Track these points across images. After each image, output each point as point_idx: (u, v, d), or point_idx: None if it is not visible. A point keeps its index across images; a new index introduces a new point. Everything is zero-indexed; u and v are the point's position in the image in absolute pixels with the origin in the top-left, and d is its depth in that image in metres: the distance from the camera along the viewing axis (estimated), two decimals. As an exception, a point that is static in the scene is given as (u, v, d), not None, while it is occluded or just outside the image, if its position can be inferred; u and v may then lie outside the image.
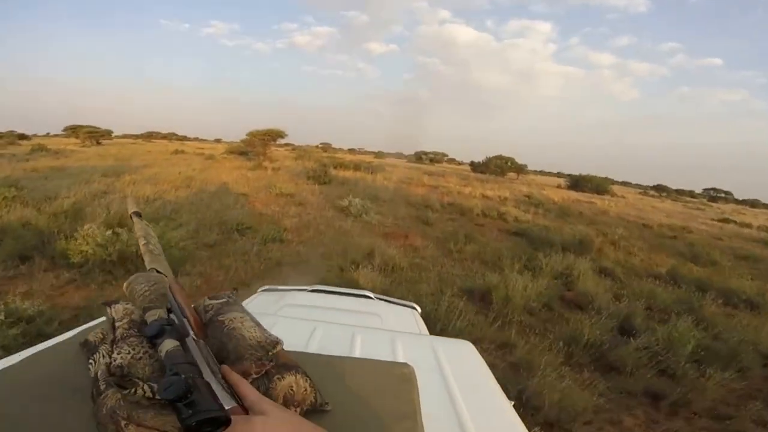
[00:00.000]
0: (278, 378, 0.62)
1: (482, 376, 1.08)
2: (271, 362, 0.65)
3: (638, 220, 17.89)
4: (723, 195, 58.60)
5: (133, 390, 0.50)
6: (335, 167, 24.29)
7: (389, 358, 1.04)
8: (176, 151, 26.88)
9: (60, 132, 39.90)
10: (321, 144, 66.28)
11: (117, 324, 0.66)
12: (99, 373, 0.57)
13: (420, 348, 1.17)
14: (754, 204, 57.56)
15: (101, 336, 0.71)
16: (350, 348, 1.12)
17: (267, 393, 0.59)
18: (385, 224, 10.12)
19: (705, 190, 60.91)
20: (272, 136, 21.88)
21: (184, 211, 9.06)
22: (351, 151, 71.55)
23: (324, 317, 1.55)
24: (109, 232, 5.34)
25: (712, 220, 23.62)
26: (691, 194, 57.76)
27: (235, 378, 0.52)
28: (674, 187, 58.61)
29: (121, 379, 0.54)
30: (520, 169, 42.38)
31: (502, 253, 8.70)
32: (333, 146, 68.27)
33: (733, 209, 38.34)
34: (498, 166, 41.07)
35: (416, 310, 2.27)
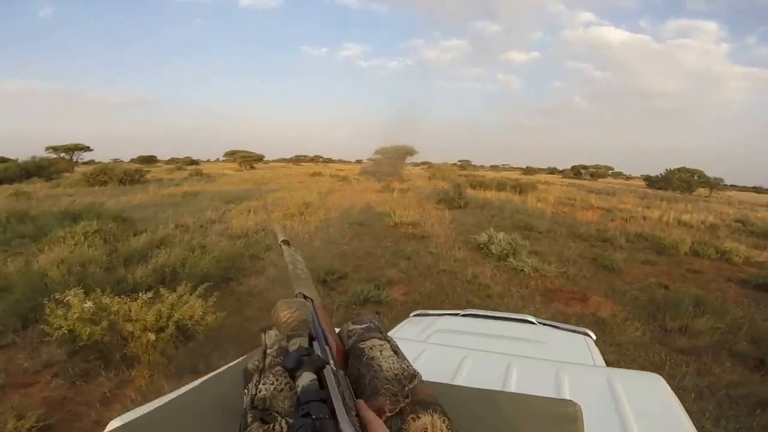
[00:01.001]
0: (413, 417, 0.54)
1: (673, 416, 0.89)
2: (407, 399, 0.56)
3: None
4: None
5: (272, 425, 0.47)
6: (474, 187, 21.35)
7: (552, 394, 0.89)
8: (314, 174, 26.81)
9: (222, 157, 44.16)
10: (459, 161, 63.29)
11: (268, 351, 0.61)
12: (246, 405, 0.55)
13: (593, 382, 0.99)
14: None
15: (257, 363, 0.63)
16: (504, 380, 0.99)
17: None
18: (545, 273, 6.71)
19: None
20: (400, 153, 19.72)
21: (277, 250, 7.12)
22: (494, 168, 67.22)
23: (477, 344, 1.37)
24: (89, 303, 3.31)
25: None
26: None
27: (370, 416, 0.47)
28: None
29: (263, 412, 0.50)
30: (714, 184, 33.38)
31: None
32: (473, 163, 64.90)
33: None
34: (683, 181, 33.03)
35: (590, 336, 1.95)
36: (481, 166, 66.68)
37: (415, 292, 5.71)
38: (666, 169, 35.71)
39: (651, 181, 36.72)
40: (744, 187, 53.81)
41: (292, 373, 0.52)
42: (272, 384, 0.53)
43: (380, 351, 0.64)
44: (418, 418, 0.53)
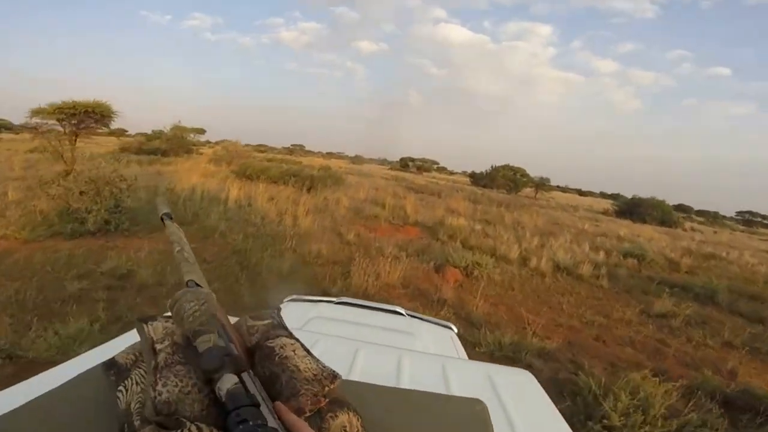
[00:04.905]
0: (331, 416, 0.51)
1: (546, 409, 0.90)
2: (326, 399, 0.52)
3: None
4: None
5: (179, 431, 0.41)
6: (249, 177, 12.19)
7: (442, 388, 0.88)
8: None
9: None
10: (292, 145, 53.90)
11: (158, 347, 0.51)
12: (133, 406, 0.48)
13: (476, 378, 0.98)
14: None
15: (133, 358, 0.56)
16: (397, 375, 0.94)
17: None
18: None
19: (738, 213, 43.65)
20: (78, 112, 9.05)
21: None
22: (328, 155, 59.61)
23: (360, 335, 1.35)
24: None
25: None
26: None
27: (293, 419, 0.43)
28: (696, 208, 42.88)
29: (166, 417, 0.43)
30: (540, 184, 29.98)
31: None
32: (306, 148, 56.31)
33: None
34: (509, 180, 28.90)
35: (452, 330, 1.92)
36: (319, 152, 59.04)
37: None
38: (491, 166, 31.51)
39: (476, 178, 32.28)
40: (566, 187, 52.16)
41: (210, 375, 0.44)
42: (176, 386, 0.45)
43: (293, 351, 0.57)
44: (336, 416, 0.50)
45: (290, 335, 0.62)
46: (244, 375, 0.44)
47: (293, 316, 1.65)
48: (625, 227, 14.97)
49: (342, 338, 1.14)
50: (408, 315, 1.97)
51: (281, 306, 1.82)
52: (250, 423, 0.37)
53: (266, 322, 0.64)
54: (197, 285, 0.60)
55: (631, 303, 5.59)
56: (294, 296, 2.05)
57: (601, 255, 8.21)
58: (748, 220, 41.30)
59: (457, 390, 0.87)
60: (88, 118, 9.04)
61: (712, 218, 37.66)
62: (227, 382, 0.41)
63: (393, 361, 1.00)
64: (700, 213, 40.53)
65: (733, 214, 43.37)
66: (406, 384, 0.87)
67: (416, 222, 8.65)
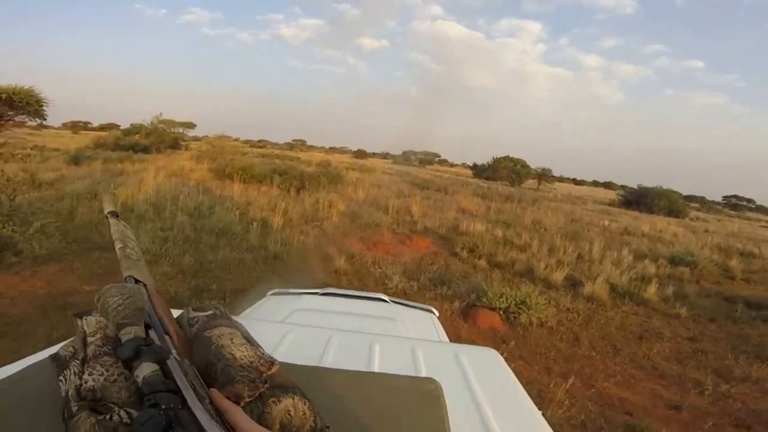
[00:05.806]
0: (274, 401, 0.50)
1: (510, 386, 0.91)
2: (265, 384, 0.51)
3: None
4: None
5: (108, 416, 0.41)
6: (229, 176, 10.58)
7: (410, 369, 0.88)
8: None
9: None
10: (293, 140, 52.33)
11: (89, 339, 0.53)
12: (70, 393, 0.48)
13: (443, 357, 0.99)
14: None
15: (72, 350, 0.57)
16: (368, 359, 0.93)
17: (261, 418, 0.48)
18: None
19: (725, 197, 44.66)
20: None
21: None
22: (331, 150, 58.05)
23: (339, 324, 1.29)
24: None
25: None
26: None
27: (226, 404, 0.43)
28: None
29: (94, 403, 0.44)
30: (543, 175, 28.36)
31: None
32: (307, 143, 54.81)
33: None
34: (512, 171, 27.27)
35: (434, 313, 1.89)
36: (321, 148, 58.70)
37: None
38: (493, 158, 29.86)
39: (478, 170, 30.64)
40: (561, 177, 50.90)
41: (128, 364, 0.44)
42: (101, 375, 0.46)
43: (230, 339, 0.57)
44: (280, 401, 0.49)
45: (231, 325, 0.60)
46: (170, 363, 0.43)
47: (276, 309, 1.62)
48: (644, 222, 13.50)
49: (316, 327, 1.10)
50: (391, 301, 1.93)
51: (265, 299, 1.81)
52: (162, 407, 0.36)
53: (208, 312, 0.63)
54: (136, 281, 0.59)
55: (731, 342, 4.01)
56: (277, 290, 1.98)
57: (649, 265, 6.63)
58: (734, 204, 41.42)
59: (424, 370, 0.88)
60: (5, 106, 7.34)
61: (704, 204, 36.92)
62: (145, 370, 0.41)
63: (365, 346, 0.99)
64: (689, 198, 39.82)
65: (717, 199, 43.59)
66: (376, 368, 0.86)
67: (426, 229, 7.04)
